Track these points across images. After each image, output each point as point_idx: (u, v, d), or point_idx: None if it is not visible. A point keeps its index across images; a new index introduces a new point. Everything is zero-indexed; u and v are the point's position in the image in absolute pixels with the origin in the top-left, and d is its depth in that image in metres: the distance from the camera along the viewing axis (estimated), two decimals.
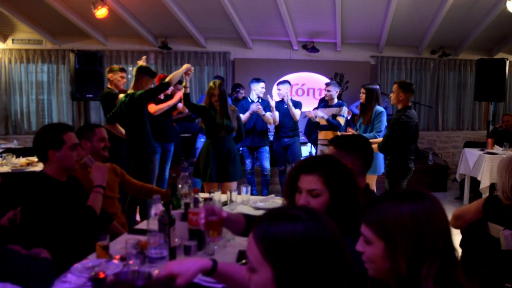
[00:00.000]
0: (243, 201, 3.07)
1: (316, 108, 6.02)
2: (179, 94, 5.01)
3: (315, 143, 5.92)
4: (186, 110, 5.68)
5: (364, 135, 4.36)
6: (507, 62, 6.92)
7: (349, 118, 5.58)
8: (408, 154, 4.02)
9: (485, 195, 4.59)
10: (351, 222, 1.58)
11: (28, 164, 4.61)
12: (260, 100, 5.64)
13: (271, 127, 5.97)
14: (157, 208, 2.05)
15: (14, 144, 5.99)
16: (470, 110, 8.58)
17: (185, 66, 4.19)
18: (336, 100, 5.34)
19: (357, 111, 6.04)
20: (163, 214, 1.99)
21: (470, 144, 6.63)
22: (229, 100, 4.42)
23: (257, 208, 2.91)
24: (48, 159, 2.29)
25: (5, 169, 4.46)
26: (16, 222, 2.32)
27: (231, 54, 8.11)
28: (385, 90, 7.61)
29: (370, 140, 4.21)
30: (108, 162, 3.06)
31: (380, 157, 4.31)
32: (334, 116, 5.23)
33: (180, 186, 2.49)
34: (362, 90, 4.58)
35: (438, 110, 8.45)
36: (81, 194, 2.45)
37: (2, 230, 2.30)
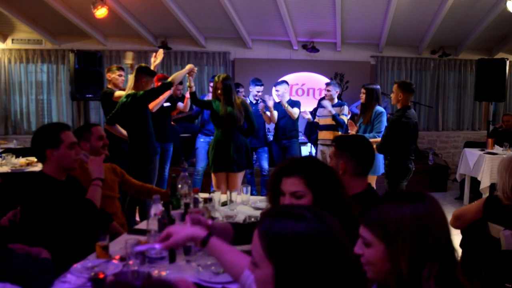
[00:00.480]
0: (243, 201, 3.07)
1: (316, 108, 6.02)
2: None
3: (315, 143, 5.92)
4: (187, 110, 5.68)
5: (364, 135, 4.36)
6: (507, 62, 6.92)
7: (349, 117, 5.57)
8: (408, 154, 4.02)
9: (485, 195, 4.59)
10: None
11: (28, 164, 4.61)
12: (258, 101, 5.65)
13: (271, 127, 5.97)
14: (157, 208, 2.05)
15: (13, 144, 5.99)
16: (470, 110, 8.58)
17: (188, 66, 4.25)
18: (336, 100, 5.34)
19: (357, 111, 6.04)
20: (163, 214, 1.99)
21: (470, 144, 6.63)
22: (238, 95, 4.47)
23: (257, 208, 2.91)
24: (47, 158, 2.29)
25: (5, 169, 4.46)
26: (16, 222, 2.32)
27: (231, 54, 8.11)
28: (385, 90, 7.61)
29: (370, 140, 4.26)
30: (108, 162, 3.07)
31: (380, 157, 4.31)
32: (336, 114, 5.23)
33: (180, 186, 2.49)
34: (363, 90, 4.58)
35: (438, 110, 8.45)
36: (80, 194, 2.45)
37: (2, 230, 2.30)
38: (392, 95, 4.13)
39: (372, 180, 4.36)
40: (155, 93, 4.07)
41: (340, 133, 5.19)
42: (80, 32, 7.36)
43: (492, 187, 5.08)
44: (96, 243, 2.01)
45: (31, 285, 1.69)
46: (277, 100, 5.62)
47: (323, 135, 5.33)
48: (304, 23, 7.41)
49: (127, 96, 4.07)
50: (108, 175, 2.97)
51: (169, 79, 4.15)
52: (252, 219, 2.44)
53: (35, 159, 4.71)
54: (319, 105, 5.80)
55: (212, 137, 5.66)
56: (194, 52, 8.00)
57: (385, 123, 4.46)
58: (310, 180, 1.63)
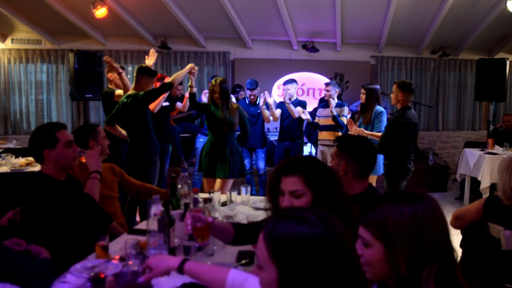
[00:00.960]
0: (243, 201, 3.07)
1: (316, 108, 6.02)
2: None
3: (315, 143, 5.91)
4: (186, 110, 5.67)
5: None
6: (508, 62, 6.91)
7: (348, 117, 5.56)
8: (407, 154, 4.01)
9: (486, 195, 4.59)
10: None
11: (27, 164, 4.60)
12: (258, 102, 5.67)
13: (271, 127, 5.97)
14: (156, 209, 2.04)
15: (13, 144, 5.98)
16: (470, 110, 8.58)
17: (189, 65, 4.19)
18: (336, 100, 5.32)
19: (357, 110, 6.03)
20: (163, 215, 1.99)
21: (470, 144, 6.63)
22: (233, 99, 4.43)
23: (257, 209, 2.91)
24: (44, 159, 2.29)
25: (4, 169, 4.46)
26: (16, 222, 2.31)
27: (231, 54, 8.10)
28: (385, 90, 7.60)
29: (371, 133, 4.25)
30: (107, 161, 3.06)
31: (380, 157, 4.30)
32: (337, 115, 5.20)
33: (179, 186, 2.48)
34: (362, 90, 4.57)
35: (438, 110, 8.45)
36: (80, 194, 2.44)
37: (2, 230, 2.30)
38: (392, 95, 4.12)
39: (372, 180, 4.36)
40: (156, 94, 4.06)
41: (340, 133, 5.18)
42: (79, 32, 7.35)
43: (493, 187, 5.08)
44: (95, 243, 2.01)
45: (30, 285, 1.68)
46: (285, 99, 5.58)
47: (323, 135, 5.32)
48: (304, 23, 7.41)
49: (128, 96, 4.07)
50: (108, 175, 2.97)
51: (169, 80, 4.13)
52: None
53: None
54: (319, 105, 5.79)
55: None
56: (194, 52, 8.00)
57: (385, 123, 4.45)
58: (310, 179, 1.63)
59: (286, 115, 5.50)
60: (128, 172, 3.28)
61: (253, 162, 5.87)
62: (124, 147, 4.27)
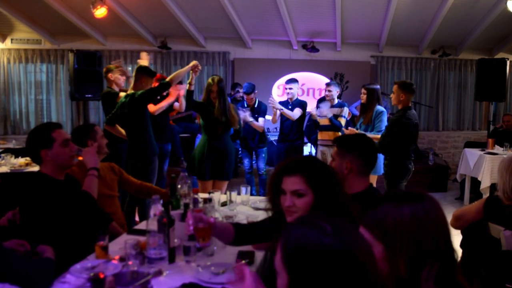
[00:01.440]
0: (243, 202, 3.07)
1: (316, 109, 6.00)
2: (175, 91, 4.96)
3: (315, 143, 5.90)
4: (183, 109, 5.65)
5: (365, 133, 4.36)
6: (508, 62, 6.90)
7: (348, 119, 5.56)
8: (407, 154, 4.01)
9: (486, 195, 4.58)
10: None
11: (27, 164, 4.60)
12: (256, 104, 5.61)
13: (271, 127, 5.96)
14: (156, 209, 2.04)
15: (12, 144, 5.97)
16: (470, 110, 8.57)
17: (193, 63, 4.16)
18: (336, 101, 5.32)
19: (356, 112, 6.02)
20: (163, 215, 1.98)
21: (470, 144, 6.62)
22: (228, 99, 4.40)
23: (257, 209, 2.90)
24: (42, 159, 2.29)
25: (4, 169, 4.45)
26: (15, 223, 2.31)
27: (231, 54, 8.09)
28: (385, 90, 7.60)
29: (372, 136, 4.26)
30: (107, 161, 3.06)
31: (381, 157, 4.30)
32: (335, 116, 5.20)
33: (179, 186, 2.48)
34: (363, 90, 4.56)
35: (438, 110, 8.44)
36: (79, 193, 2.44)
37: (1, 230, 2.29)
38: (393, 96, 4.10)
39: (373, 180, 4.36)
40: (153, 93, 4.05)
41: (340, 133, 5.18)
42: (79, 32, 7.35)
43: (493, 187, 5.08)
44: (95, 244, 2.01)
45: (30, 286, 1.68)
46: (284, 99, 5.55)
47: (323, 135, 5.31)
48: (304, 23, 7.40)
49: (126, 96, 4.07)
50: (107, 174, 2.97)
51: (168, 79, 4.10)
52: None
53: None
54: (318, 105, 5.78)
55: None
56: (194, 52, 7.99)
57: (385, 122, 4.45)
58: (311, 179, 1.63)
59: (285, 117, 5.45)
60: (127, 172, 3.27)
61: (253, 162, 5.86)
62: (124, 147, 4.26)
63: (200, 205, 2.31)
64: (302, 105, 5.44)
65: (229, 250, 2.14)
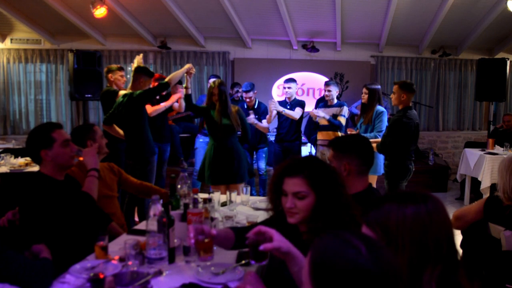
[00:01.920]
0: (243, 202, 3.07)
1: (315, 109, 5.99)
2: (176, 96, 4.99)
3: (315, 143, 5.89)
4: (182, 110, 5.65)
5: (365, 135, 4.35)
6: (508, 62, 6.91)
7: (347, 118, 5.55)
8: (408, 155, 4.00)
9: (486, 195, 4.57)
10: (338, 221, 1.60)
11: (27, 164, 4.59)
12: (257, 105, 5.59)
13: (271, 127, 5.94)
14: (156, 209, 2.03)
15: (12, 144, 5.97)
16: (470, 110, 8.57)
17: (187, 66, 4.16)
18: (335, 100, 5.31)
19: (356, 111, 6.01)
20: (162, 215, 1.97)
21: (470, 144, 6.62)
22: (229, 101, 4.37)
23: (257, 209, 2.90)
24: (42, 159, 2.29)
25: (4, 169, 4.44)
26: (15, 223, 2.31)
27: (231, 54, 8.09)
28: (385, 90, 7.60)
29: (371, 140, 4.25)
30: (105, 161, 3.06)
31: (381, 157, 4.30)
32: (334, 116, 5.18)
33: (179, 186, 2.47)
34: (365, 90, 4.55)
35: (438, 110, 8.44)
36: (78, 193, 2.44)
37: (1, 231, 2.29)
38: (393, 96, 4.09)
39: (373, 180, 4.35)
40: (152, 93, 4.05)
41: (340, 133, 5.17)
42: (79, 32, 7.34)
43: (493, 187, 5.06)
44: (95, 244, 2.00)
45: (29, 286, 1.68)
46: (282, 99, 5.53)
47: (323, 135, 5.29)
48: (304, 23, 7.40)
49: (124, 96, 4.07)
50: (107, 174, 2.97)
51: (166, 80, 4.10)
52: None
53: None
54: (319, 105, 5.77)
55: None
56: (194, 51, 7.99)
57: (386, 123, 4.45)
58: (313, 181, 1.62)
59: (284, 116, 5.41)
60: (126, 172, 3.27)
61: (254, 162, 5.85)
62: (122, 147, 4.26)
63: (200, 205, 2.30)
64: (302, 104, 5.42)
65: (229, 251, 2.13)
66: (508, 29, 7.53)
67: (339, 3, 6.50)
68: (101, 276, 1.66)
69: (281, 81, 7.72)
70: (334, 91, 5.27)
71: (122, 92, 4.56)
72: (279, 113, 5.38)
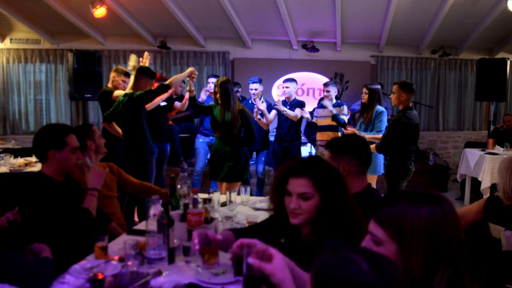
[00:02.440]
0: (243, 202, 3.06)
1: (315, 109, 5.98)
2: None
3: (314, 143, 5.88)
4: (185, 109, 5.64)
5: (365, 133, 4.35)
6: (508, 62, 6.90)
7: (348, 117, 5.54)
8: (408, 155, 4.00)
9: (486, 195, 4.57)
10: (341, 223, 1.58)
11: (26, 165, 4.59)
12: (262, 101, 5.58)
13: (271, 127, 5.92)
14: (155, 209, 2.03)
15: (12, 144, 5.96)
16: (471, 110, 8.57)
17: (189, 69, 4.15)
18: (334, 100, 5.30)
19: (358, 109, 6.00)
20: (162, 215, 1.97)
21: (471, 144, 6.61)
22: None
23: (257, 209, 2.90)
24: (48, 159, 2.28)
25: (3, 169, 4.43)
26: (15, 223, 2.30)
27: (231, 54, 8.09)
28: (386, 90, 7.58)
29: (373, 136, 4.25)
30: (105, 161, 3.05)
31: (381, 157, 4.29)
32: (337, 114, 5.17)
33: (179, 186, 2.47)
34: (365, 90, 4.55)
35: (438, 110, 8.44)
36: (79, 195, 2.43)
37: (1, 231, 2.28)
38: (393, 96, 4.09)
39: (373, 180, 4.35)
40: (152, 95, 4.04)
41: (339, 133, 5.16)
42: (79, 32, 7.34)
43: (493, 187, 5.06)
44: (95, 244, 2.00)
45: (29, 286, 1.67)
46: (282, 98, 5.51)
47: (322, 136, 5.27)
48: (304, 23, 7.39)
49: (125, 95, 4.07)
50: (106, 174, 2.95)
51: (167, 82, 4.09)
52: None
53: (34, 159, 4.70)
54: (319, 105, 5.75)
55: (211, 137, 5.65)
56: (194, 51, 7.98)
57: (385, 123, 4.44)
58: (319, 182, 1.60)
59: (284, 116, 5.40)
60: (125, 172, 3.26)
61: (253, 163, 5.84)
62: (121, 146, 4.26)
63: (200, 205, 2.30)
64: (301, 104, 5.40)
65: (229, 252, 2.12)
66: (508, 29, 7.53)
67: (339, 3, 6.50)
68: (101, 276, 1.65)
69: (281, 81, 7.70)
70: (333, 91, 5.27)
71: (117, 92, 4.56)
72: (279, 113, 5.39)
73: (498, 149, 5.73)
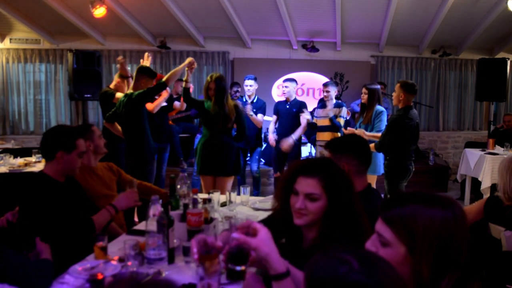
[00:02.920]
0: (242, 202, 3.06)
1: (315, 108, 5.98)
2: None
3: (314, 144, 5.87)
4: (184, 108, 5.63)
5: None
6: (508, 62, 6.89)
7: (348, 118, 5.53)
8: (408, 155, 4.00)
9: (486, 196, 4.57)
10: (348, 225, 1.57)
11: (26, 165, 4.58)
12: (256, 100, 5.58)
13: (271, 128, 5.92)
14: (155, 209, 2.03)
15: (11, 144, 5.96)
16: (471, 110, 8.56)
17: (188, 60, 4.13)
18: (334, 101, 5.29)
19: (358, 109, 6.00)
20: (162, 215, 1.97)
21: (471, 145, 6.61)
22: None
23: (257, 209, 2.89)
24: (55, 159, 2.30)
25: (3, 169, 4.43)
26: (15, 223, 2.30)
27: (230, 54, 8.09)
28: (386, 90, 7.59)
29: (372, 134, 4.25)
30: (105, 161, 3.05)
31: (380, 157, 4.29)
32: (334, 117, 5.17)
33: (179, 186, 2.47)
34: (364, 90, 4.55)
35: (439, 110, 8.44)
36: (79, 196, 2.43)
37: (0, 231, 2.28)
38: (394, 94, 4.11)
39: (372, 180, 4.35)
40: (150, 94, 4.03)
41: (339, 134, 5.16)
42: (78, 32, 7.34)
43: (493, 187, 5.06)
44: (94, 244, 2.00)
45: (29, 286, 1.67)
46: (282, 98, 5.52)
47: (322, 136, 5.26)
48: (304, 23, 7.39)
49: (125, 95, 4.08)
50: (106, 174, 2.97)
51: (164, 79, 4.07)
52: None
53: (33, 159, 4.69)
54: (319, 105, 5.75)
55: None
56: (193, 51, 7.98)
57: (385, 122, 4.44)
58: (328, 184, 1.59)
59: (284, 116, 5.41)
60: (125, 172, 3.26)
61: (248, 162, 5.83)
62: (122, 146, 4.25)
63: (200, 205, 2.29)
64: (302, 105, 5.39)
65: None
66: (508, 29, 7.52)
67: (339, 3, 6.50)
68: (101, 276, 1.65)
69: (281, 81, 7.71)
70: (333, 91, 5.26)
71: (118, 94, 4.57)
72: (279, 113, 5.43)
73: (498, 149, 5.72)
